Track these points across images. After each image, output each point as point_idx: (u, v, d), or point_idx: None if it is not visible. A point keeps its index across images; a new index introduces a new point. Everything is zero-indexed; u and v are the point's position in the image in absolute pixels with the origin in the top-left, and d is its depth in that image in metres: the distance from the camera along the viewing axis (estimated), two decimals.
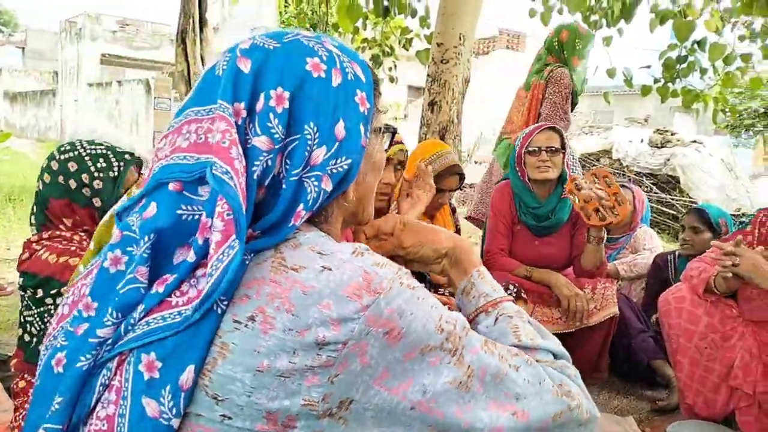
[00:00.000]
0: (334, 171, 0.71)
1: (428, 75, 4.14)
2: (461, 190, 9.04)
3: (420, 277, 2.01)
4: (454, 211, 2.71)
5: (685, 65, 4.51)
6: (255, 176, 0.67)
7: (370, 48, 5.83)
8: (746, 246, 1.91)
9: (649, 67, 4.79)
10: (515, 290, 2.30)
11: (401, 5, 4.69)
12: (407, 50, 5.63)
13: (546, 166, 2.49)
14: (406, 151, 1.94)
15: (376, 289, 0.66)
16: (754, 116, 18.22)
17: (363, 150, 0.75)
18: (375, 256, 0.71)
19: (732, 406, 2.02)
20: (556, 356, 0.82)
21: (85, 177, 1.61)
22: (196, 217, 0.67)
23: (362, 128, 0.74)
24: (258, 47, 0.72)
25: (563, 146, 2.53)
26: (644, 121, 12.90)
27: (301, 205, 0.69)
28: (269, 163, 0.68)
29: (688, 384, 2.12)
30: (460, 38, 4.01)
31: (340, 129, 0.71)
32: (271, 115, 0.68)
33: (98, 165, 1.63)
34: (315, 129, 0.70)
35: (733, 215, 3.06)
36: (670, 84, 4.65)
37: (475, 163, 10.74)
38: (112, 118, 17.10)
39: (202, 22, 8.00)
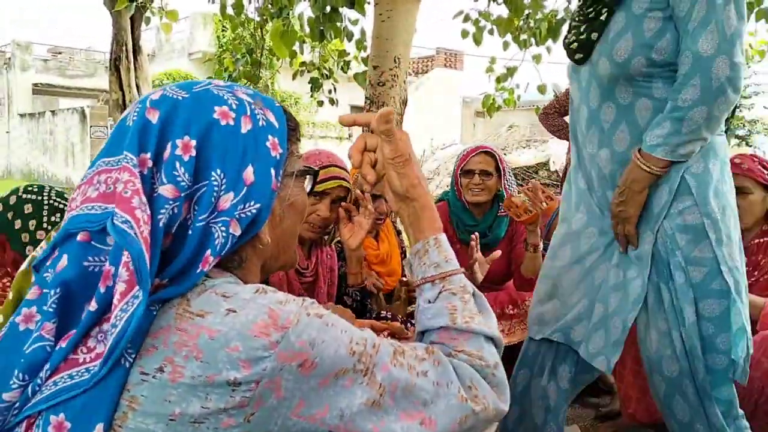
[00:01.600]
0: (242, 215, 0.72)
1: (366, 98, 4.18)
2: None
3: (362, 306, 2.01)
4: (399, 233, 2.72)
5: None
6: (161, 224, 0.68)
7: (308, 71, 5.84)
8: None
9: None
10: None
11: (336, 29, 4.73)
12: (345, 72, 5.68)
13: (479, 189, 2.56)
14: (348, 187, 1.93)
15: (283, 324, 0.67)
16: None
17: (274, 194, 0.77)
18: (278, 294, 0.72)
19: None
20: (492, 339, 0.85)
21: (32, 223, 1.57)
22: (102, 267, 0.67)
23: (273, 172, 0.76)
24: (167, 98, 0.74)
25: (498, 169, 2.59)
26: None
27: (209, 251, 0.70)
28: (175, 210, 0.69)
29: (630, 394, 2.18)
30: (395, 61, 4.08)
31: (248, 174, 0.73)
32: (178, 164, 0.69)
33: (52, 219, 1.58)
34: (222, 175, 0.71)
35: None
36: None
37: None
38: (47, 149, 16.52)
39: (136, 50, 7.85)
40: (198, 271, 0.69)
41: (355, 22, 4.97)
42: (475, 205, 2.61)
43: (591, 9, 1.50)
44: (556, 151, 8.43)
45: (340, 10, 4.64)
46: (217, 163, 0.72)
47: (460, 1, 5.13)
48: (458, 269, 0.89)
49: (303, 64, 5.77)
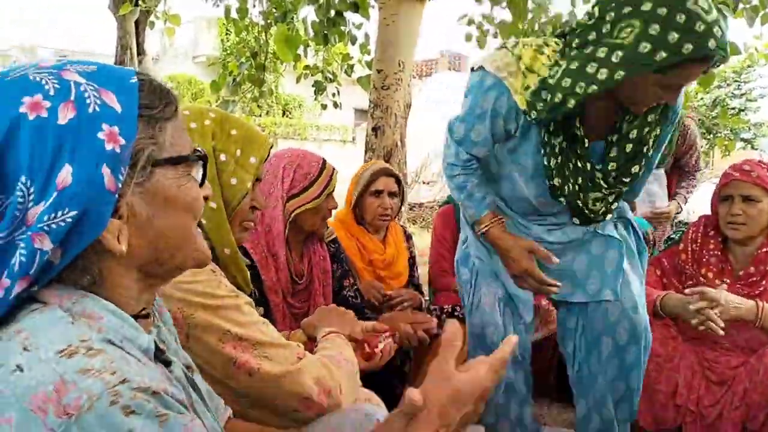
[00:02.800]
0: (54, 226, 0.59)
1: (370, 101, 4.17)
2: (411, 209, 9.06)
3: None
4: (409, 237, 2.69)
5: None
6: None
7: (312, 75, 5.85)
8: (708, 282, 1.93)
9: None
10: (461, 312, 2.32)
11: (340, 33, 4.73)
12: (349, 76, 5.68)
13: None
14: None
15: (67, 407, 0.53)
16: None
17: (111, 196, 0.62)
18: (95, 359, 0.57)
19: (679, 421, 2.05)
20: None
21: None
22: None
23: (107, 170, 0.62)
24: None
25: None
26: None
27: (5, 273, 0.59)
28: None
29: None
30: (399, 65, 4.07)
31: (63, 176, 0.60)
32: None
33: None
34: (29, 183, 0.59)
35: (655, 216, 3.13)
36: None
37: (424, 183, 10.82)
38: None
39: (140, 53, 7.88)
40: None
41: (359, 26, 4.97)
42: None
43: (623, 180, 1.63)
44: None
45: (345, 14, 4.64)
46: (22, 170, 0.59)
47: (464, 4, 5.12)
48: None
49: (307, 67, 5.77)
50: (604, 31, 1.38)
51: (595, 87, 1.36)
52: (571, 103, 1.40)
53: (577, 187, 1.57)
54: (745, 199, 1.94)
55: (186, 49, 18.24)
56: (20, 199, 0.59)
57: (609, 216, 1.67)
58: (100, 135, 0.62)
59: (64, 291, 0.63)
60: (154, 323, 0.77)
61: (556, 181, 1.58)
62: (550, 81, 1.43)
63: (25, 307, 0.62)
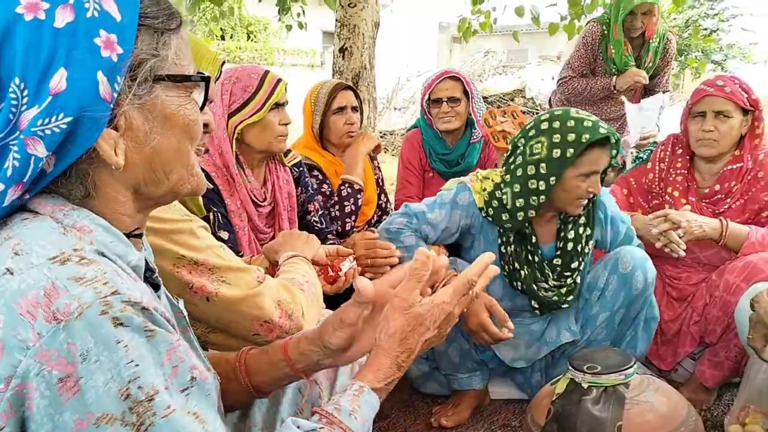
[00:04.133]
0: (47, 132, 0.58)
1: (336, 20, 4.00)
2: (382, 137, 8.94)
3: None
4: (373, 159, 2.63)
5: (589, 1, 4.56)
6: None
7: None
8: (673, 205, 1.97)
9: (555, 5, 4.84)
10: None
11: None
12: None
13: (449, 116, 2.50)
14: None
15: (57, 312, 0.53)
16: None
17: (105, 105, 0.61)
18: (87, 268, 0.57)
19: None
20: None
21: None
22: None
23: (104, 77, 0.60)
24: None
25: (466, 93, 2.52)
26: (557, 58, 13.15)
27: None
28: None
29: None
30: None
31: (57, 80, 0.58)
32: None
33: None
34: (22, 85, 0.58)
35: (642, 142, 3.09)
36: (576, 21, 4.70)
37: (395, 109, 10.63)
38: None
39: None
40: None
41: None
42: (448, 132, 2.56)
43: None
44: (531, 77, 8.31)
45: None
46: (16, 71, 0.58)
47: None
48: (350, 429, 0.75)
49: None
50: (520, 152, 1.76)
51: (543, 197, 1.71)
52: (531, 213, 1.74)
53: (528, 274, 1.82)
54: (718, 115, 1.92)
55: None
56: (13, 102, 0.58)
57: (567, 305, 1.85)
58: (97, 41, 0.60)
59: (56, 202, 0.63)
60: (144, 247, 0.77)
61: (511, 267, 1.83)
62: (506, 203, 1.76)
63: (16, 215, 0.62)
